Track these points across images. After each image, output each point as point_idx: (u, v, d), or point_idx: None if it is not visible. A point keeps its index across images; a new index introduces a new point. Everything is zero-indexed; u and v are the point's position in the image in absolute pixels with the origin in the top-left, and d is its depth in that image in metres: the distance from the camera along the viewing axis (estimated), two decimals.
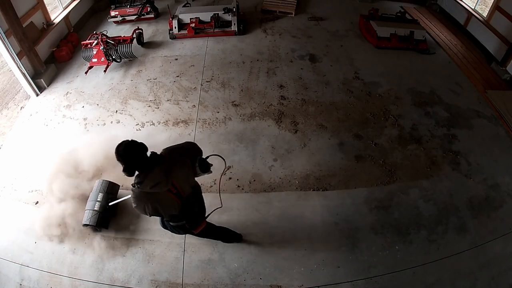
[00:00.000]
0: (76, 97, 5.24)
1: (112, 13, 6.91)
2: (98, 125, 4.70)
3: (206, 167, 2.35)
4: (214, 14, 6.36)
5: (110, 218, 3.54)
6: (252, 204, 3.68)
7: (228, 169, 2.60)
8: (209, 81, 5.34)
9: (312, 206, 3.64)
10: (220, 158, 2.58)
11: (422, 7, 7.76)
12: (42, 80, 5.40)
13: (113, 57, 5.65)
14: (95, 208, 3.40)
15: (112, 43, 5.67)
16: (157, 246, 3.37)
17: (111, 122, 4.73)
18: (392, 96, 4.96)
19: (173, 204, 2.25)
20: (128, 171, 2.06)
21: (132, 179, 2.17)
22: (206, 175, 2.43)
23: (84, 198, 3.61)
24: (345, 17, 6.95)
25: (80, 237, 3.47)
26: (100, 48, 5.53)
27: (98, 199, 3.46)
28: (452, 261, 3.18)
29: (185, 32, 6.33)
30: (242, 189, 3.84)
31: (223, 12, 6.37)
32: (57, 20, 6.24)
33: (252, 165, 4.08)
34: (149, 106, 4.96)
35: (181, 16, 6.39)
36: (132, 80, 5.49)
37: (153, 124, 4.67)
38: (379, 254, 3.24)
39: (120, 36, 6.01)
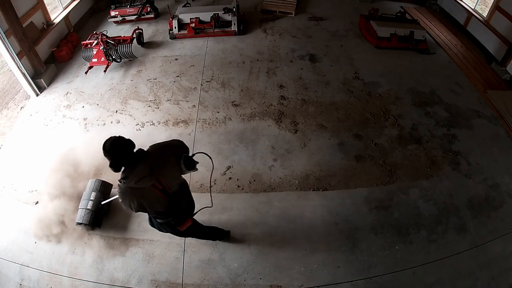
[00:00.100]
0: (76, 97, 5.24)
1: (112, 13, 6.91)
2: (98, 125, 4.70)
3: (191, 165, 2.36)
4: (214, 14, 6.36)
5: (103, 217, 3.56)
6: (252, 204, 3.68)
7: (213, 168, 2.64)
8: (209, 81, 5.34)
9: (312, 206, 3.64)
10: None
11: (422, 7, 7.76)
12: (42, 80, 5.41)
13: (113, 57, 5.65)
14: (88, 207, 3.43)
15: (112, 43, 5.67)
16: (157, 246, 3.37)
17: (111, 122, 4.74)
18: (392, 96, 4.96)
19: (158, 200, 2.26)
20: (114, 167, 2.10)
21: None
22: (192, 172, 2.45)
23: None
24: (345, 17, 6.95)
25: (80, 237, 3.47)
26: (100, 48, 5.53)
27: (91, 198, 3.49)
28: (452, 261, 3.18)
29: (185, 32, 6.33)
30: (242, 189, 3.84)
31: (223, 12, 6.37)
32: (57, 20, 6.24)
33: (252, 165, 4.08)
34: (149, 106, 4.96)
35: (181, 16, 6.39)
36: (132, 80, 5.49)
37: (153, 124, 4.68)
38: (379, 254, 3.24)
39: (120, 36, 6.01)
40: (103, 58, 5.53)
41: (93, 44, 5.65)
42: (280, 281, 3.09)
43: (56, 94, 5.36)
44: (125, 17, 6.98)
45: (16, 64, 5.01)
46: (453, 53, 6.14)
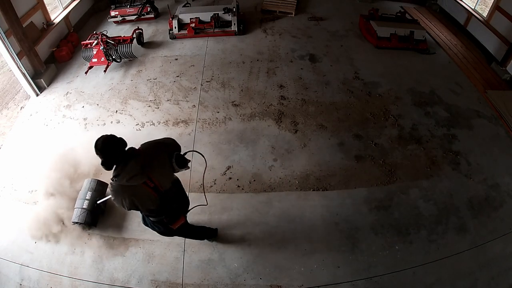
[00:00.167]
0: (76, 97, 5.24)
1: (112, 13, 6.91)
2: (98, 125, 4.70)
3: (183, 163, 2.38)
4: (214, 14, 6.35)
5: (99, 216, 3.58)
6: (252, 204, 3.68)
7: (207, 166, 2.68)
8: (209, 81, 5.34)
9: (312, 206, 3.64)
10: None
11: (422, 7, 7.76)
12: (42, 80, 5.40)
13: (113, 57, 5.65)
14: (84, 206, 3.45)
15: (112, 43, 5.67)
16: (157, 246, 3.37)
17: (111, 122, 4.74)
18: (392, 96, 4.96)
19: (150, 198, 2.27)
20: (106, 165, 2.12)
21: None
22: (184, 171, 2.46)
23: None
24: (345, 17, 6.95)
25: (80, 237, 3.48)
26: (100, 48, 5.53)
27: (86, 198, 3.51)
28: (452, 261, 3.18)
29: (185, 32, 6.33)
30: (242, 189, 3.84)
31: (223, 12, 6.37)
32: (57, 20, 6.23)
33: (252, 165, 4.08)
34: (149, 106, 4.96)
35: (181, 16, 6.39)
36: (132, 80, 5.49)
37: (153, 124, 4.68)
38: (379, 254, 3.24)
39: (120, 36, 6.01)
40: (103, 58, 5.53)
41: (93, 44, 5.64)
42: (280, 281, 3.09)
43: (56, 94, 5.36)
44: (125, 17, 6.97)
45: (16, 64, 5.01)
46: (453, 53, 6.14)
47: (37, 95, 5.37)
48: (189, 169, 2.85)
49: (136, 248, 3.37)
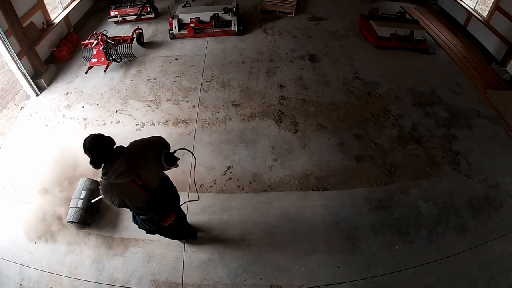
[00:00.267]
0: (76, 97, 5.24)
1: (112, 13, 6.90)
2: (98, 125, 4.70)
3: (172, 161, 2.40)
4: (214, 14, 6.35)
5: (93, 215, 3.59)
6: (252, 204, 3.68)
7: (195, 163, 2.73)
8: (209, 81, 5.34)
9: (312, 206, 3.64)
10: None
11: (422, 7, 7.76)
12: (42, 80, 5.40)
13: (113, 57, 5.65)
14: (78, 206, 3.47)
15: (112, 43, 5.67)
16: (157, 246, 3.37)
17: (111, 122, 4.74)
18: (392, 96, 4.96)
19: (139, 196, 2.29)
20: (94, 164, 2.14)
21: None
22: (173, 169, 2.50)
23: None
24: (345, 17, 6.95)
25: (80, 237, 3.48)
26: (100, 48, 5.53)
27: (81, 197, 3.53)
28: (452, 261, 3.18)
29: (185, 32, 6.33)
30: (242, 189, 3.84)
31: (223, 12, 6.37)
32: (57, 20, 6.23)
33: (252, 165, 4.08)
34: (149, 106, 4.96)
35: (181, 16, 6.39)
36: (132, 80, 5.49)
37: (153, 124, 4.68)
38: (379, 254, 3.24)
39: (120, 36, 6.01)
40: (103, 58, 5.53)
41: (93, 44, 5.64)
42: (280, 281, 3.09)
43: (56, 94, 5.36)
44: (125, 17, 6.97)
45: (16, 64, 5.01)
46: (453, 53, 6.14)
47: (37, 95, 5.37)
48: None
49: (136, 248, 3.37)
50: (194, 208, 3.64)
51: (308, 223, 3.49)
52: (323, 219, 3.52)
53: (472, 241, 3.32)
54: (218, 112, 4.79)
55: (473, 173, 3.92)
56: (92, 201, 3.55)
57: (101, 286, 3.15)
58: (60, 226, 3.54)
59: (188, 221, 3.44)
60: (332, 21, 6.85)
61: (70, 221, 3.43)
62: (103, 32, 5.83)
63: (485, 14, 6.25)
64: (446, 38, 6.58)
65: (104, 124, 4.72)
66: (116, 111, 4.92)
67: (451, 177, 3.88)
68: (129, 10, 6.94)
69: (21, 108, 5.28)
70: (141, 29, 6.34)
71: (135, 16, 6.95)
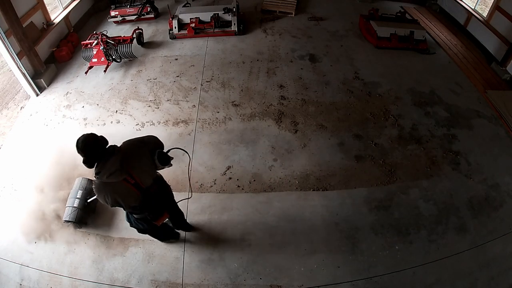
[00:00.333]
0: (76, 97, 5.24)
1: (112, 13, 6.91)
2: (98, 125, 4.70)
3: (165, 160, 2.42)
4: (214, 14, 6.35)
5: (89, 215, 3.61)
6: (252, 204, 3.68)
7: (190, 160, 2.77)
8: (209, 81, 5.34)
9: (312, 206, 3.64)
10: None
11: (422, 7, 7.76)
12: (42, 80, 5.40)
13: (113, 57, 5.65)
14: (75, 205, 3.49)
15: (112, 43, 5.67)
16: (157, 246, 3.37)
17: (111, 122, 4.74)
18: (392, 96, 4.96)
19: (132, 195, 2.31)
20: (87, 163, 2.17)
21: None
22: (167, 168, 2.52)
23: None
24: (345, 17, 6.95)
25: (80, 237, 3.48)
26: (100, 48, 5.53)
27: (77, 196, 3.55)
28: (452, 261, 3.18)
29: (185, 32, 6.33)
30: (242, 189, 3.84)
31: (223, 12, 6.37)
32: (57, 20, 6.23)
33: (252, 165, 4.08)
34: (149, 106, 4.96)
35: (181, 16, 6.39)
36: (132, 80, 5.49)
37: (153, 124, 4.68)
38: (379, 254, 3.24)
39: (120, 36, 6.01)
40: (103, 58, 5.53)
41: (93, 44, 5.64)
42: (280, 281, 3.09)
43: (56, 94, 5.36)
44: (125, 17, 6.97)
45: (16, 64, 5.01)
46: (453, 53, 6.14)
47: (37, 95, 5.37)
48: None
49: (136, 248, 3.37)
50: (194, 208, 3.64)
51: (308, 223, 3.49)
52: (323, 219, 3.52)
53: (472, 241, 3.32)
54: (218, 112, 4.79)
55: (473, 173, 3.92)
56: (89, 200, 3.57)
57: (101, 286, 3.15)
58: (60, 226, 3.54)
59: (188, 221, 3.45)
60: (332, 21, 6.85)
61: (66, 221, 3.45)
62: (103, 32, 5.83)
63: (485, 14, 6.25)
64: (446, 38, 6.58)
65: (104, 124, 4.72)
66: (116, 111, 4.92)
67: (451, 177, 3.88)
68: (129, 10, 6.94)
69: (21, 108, 5.28)
70: (141, 29, 6.34)
71: (135, 16, 6.95)
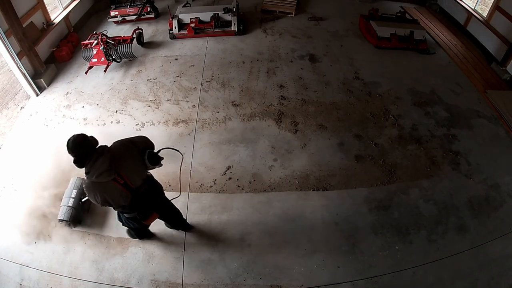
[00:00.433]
0: (76, 97, 5.24)
1: (112, 13, 6.91)
2: (98, 125, 4.70)
3: (155, 160, 2.46)
4: (214, 14, 6.35)
5: (83, 214, 3.63)
6: (252, 204, 3.68)
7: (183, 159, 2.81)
8: (209, 81, 5.34)
9: (312, 206, 3.64)
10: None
11: (422, 7, 7.76)
12: (42, 80, 5.40)
13: (113, 57, 5.65)
14: (69, 204, 3.51)
15: (112, 43, 5.67)
16: (157, 246, 3.37)
17: (111, 122, 4.73)
18: (392, 96, 4.96)
19: (121, 195, 2.34)
20: (77, 163, 2.21)
21: None
22: (157, 168, 2.55)
23: None
24: (345, 17, 6.95)
25: (80, 237, 3.48)
26: (100, 48, 5.53)
27: (72, 196, 3.58)
28: (452, 261, 3.18)
29: (185, 32, 6.33)
30: (242, 189, 3.84)
31: (223, 12, 6.37)
32: (57, 20, 6.23)
33: (252, 165, 4.08)
34: (149, 106, 4.96)
35: (181, 16, 6.39)
36: (132, 80, 5.49)
37: (153, 124, 4.68)
38: (379, 254, 3.24)
39: (120, 36, 6.01)
40: (103, 58, 5.53)
41: (93, 44, 5.64)
42: (280, 281, 3.09)
43: (56, 94, 5.36)
44: (125, 17, 6.97)
45: (16, 64, 5.00)
46: (453, 53, 6.14)
47: (37, 95, 5.37)
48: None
49: (136, 248, 3.37)
50: (194, 208, 3.64)
51: (308, 223, 3.49)
52: (323, 219, 3.52)
53: (472, 241, 3.32)
54: (218, 112, 4.79)
55: (473, 173, 3.92)
56: (83, 199, 3.59)
57: (101, 286, 3.15)
58: (60, 226, 3.54)
59: (188, 221, 3.45)
60: (332, 21, 6.86)
61: (61, 220, 3.47)
62: (103, 32, 5.83)
63: (485, 14, 6.25)
64: (446, 38, 6.58)
65: (104, 124, 4.72)
66: (116, 111, 4.92)
67: (451, 177, 3.88)
68: (129, 10, 6.94)
69: (21, 108, 5.28)
70: (141, 29, 6.34)
71: (135, 16, 6.95)
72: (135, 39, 6.06)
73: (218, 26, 6.32)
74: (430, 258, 3.20)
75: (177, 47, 6.22)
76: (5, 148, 4.59)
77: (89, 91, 5.33)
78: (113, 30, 6.74)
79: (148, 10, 7.04)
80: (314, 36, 6.37)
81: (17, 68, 5.05)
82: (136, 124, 4.67)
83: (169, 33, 6.43)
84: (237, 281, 3.11)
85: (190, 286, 3.11)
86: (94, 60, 5.56)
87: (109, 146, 2.38)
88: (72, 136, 2.23)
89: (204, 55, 5.96)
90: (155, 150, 2.58)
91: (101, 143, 2.47)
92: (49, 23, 6.07)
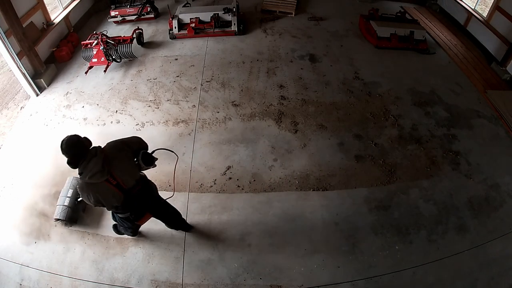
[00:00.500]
0: (76, 97, 5.24)
1: (112, 13, 6.91)
2: (98, 125, 4.70)
3: (149, 161, 2.48)
4: (214, 14, 6.36)
5: (79, 213, 3.64)
6: (252, 204, 3.68)
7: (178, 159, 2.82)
8: (209, 81, 5.34)
9: (312, 206, 3.64)
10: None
11: (422, 7, 7.76)
12: (42, 80, 5.40)
13: (113, 57, 5.65)
14: (65, 204, 3.53)
15: (112, 43, 5.67)
16: (157, 246, 3.37)
17: (111, 122, 4.73)
18: (392, 96, 4.96)
19: (114, 195, 2.37)
20: (71, 164, 2.25)
21: None
22: (151, 168, 2.57)
23: None
24: (345, 17, 6.95)
25: (80, 237, 3.48)
26: (100, 48, 5.53)
27: (67, 195, 3.59)
28: (452, 261, 3.18)
29: (185, 32, 6.33)
30: (242, 189, 3.84)
31: (223, 12, 6.37)
32: (57, 20, 6.23)
33: (252, 165, 4.08)
34: (149, 106, 4.96)
35: (181, 16, 6.39)
36: (132, 80, 5.49)
37: (153, 124, 4.67)
38: (379, 254, 3.24)
39: (120, 36, 6.01)
40: (103, 58, 5.53)
41: (93, 44, 5.64)
42: (280, 281, 3.09)
43: (56, 94, 5.36)
44: (125, 17, 6.97)
45: (16, 64, 5.00)
46: (453, 53, 6.14)
47: (37, 95, 5.37)
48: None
49: (136, 248, 3.37)
50: (194, 208, 3.64)
51: (308, 223, 3.49)
52: (323, 219, 3.52)
53: (472, 241, 3.32)
54: (218, 112, 4.79)
55: (473, 173, 3.92)
56: (79, 199, 3.60)
57: (101, 286, 3.15)
58: (60, 226, 3.54)
59: (187, 221, 3.45)
60: (332, 21, 6.86)
61: (57, 219, 3.48)
62: (103, 32, 5.83)
63: (485, 14, 6.25)
64: (446, 38, 6.58)
65: (104, 124, 4.72)
66: (116, 111, 4.92)
67: (451, 177, 3.88)
68: (129, 10, 6.94)
69: (21, 108, 5.28)
70: (141, 29, 6.34)
71: (135, 16, 6.95)
72: (135, 39, 6.06)
73: (218, 26, 6.32)
74: (430, 258, 3.20)
75: (177, 47, 6.22)
76: (5, 148, 4.59)
77: (89, 91, 5.33)
78: (113, 30, 6.74)
79: (148, 10, 7.04)
80: (314, 36, 6.37)
81: (17, 68, 5.05)
82: (136, 124, 4.67)
83: (169, 33, 6.43)
84: (237, 281, 3.11)
85: (190, 286, 3.11)
86: (94, 60, 5.56)
87: (102, 147, 2.40)
88: (66, 137, 2.26)
89: (204, 55, 5.96)
90: (150, 151, 2.59)
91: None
92: (49, 23, 6.07)
